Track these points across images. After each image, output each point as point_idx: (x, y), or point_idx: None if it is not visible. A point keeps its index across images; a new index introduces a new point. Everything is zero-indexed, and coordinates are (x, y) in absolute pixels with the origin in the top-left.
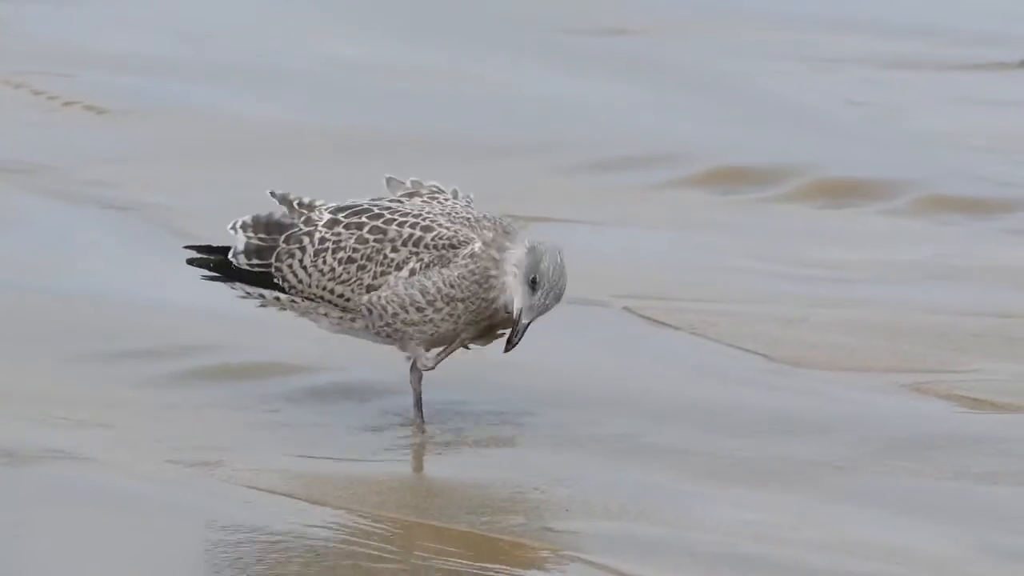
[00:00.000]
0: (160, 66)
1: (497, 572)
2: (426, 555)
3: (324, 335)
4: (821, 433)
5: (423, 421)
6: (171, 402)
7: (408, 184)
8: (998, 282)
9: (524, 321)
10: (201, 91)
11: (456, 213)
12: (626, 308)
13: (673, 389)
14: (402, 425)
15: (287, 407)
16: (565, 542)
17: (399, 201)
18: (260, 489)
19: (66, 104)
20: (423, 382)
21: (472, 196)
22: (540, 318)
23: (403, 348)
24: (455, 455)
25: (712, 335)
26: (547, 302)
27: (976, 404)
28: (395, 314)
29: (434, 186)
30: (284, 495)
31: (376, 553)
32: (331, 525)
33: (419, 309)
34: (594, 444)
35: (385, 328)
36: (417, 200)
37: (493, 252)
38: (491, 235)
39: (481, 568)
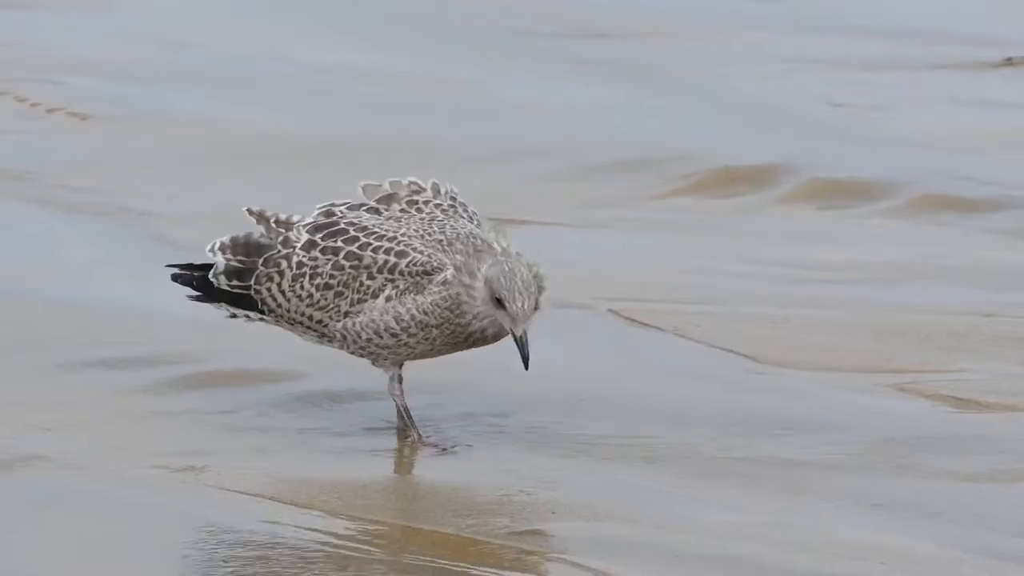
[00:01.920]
0: (144, 73)
1: (483, 575)
2: (412, 558)
3: (305, 343)
4: (806, 434)
5: (417, 429)
6: (156, 408)
7: (386, 186)
8: (982, 282)
9: (518, 334)
10: (184, 97)
11: (430, 233)
12: (611, 310)
13: (658, 391)
14: (387, 430)
15: (272, 413)
16: (551, 544)
17: (376, 212)
18: (246, 493)
19: (50, 111)
20: (405, 393)
21: (456, 190)
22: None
23: (376, 364)
24: (441, 458)
25: (696, 336)
26: (522, 305)
27: (961, 404)
28: (369, 339)
29: (413, 183)
30: (270, 499)
31: (362, 556)
32: (317, 528)
33: (393, 335)
34: (580, 446)
35: (360, 351)
36: (396, 208)
37: (464, 278)
38: (462, 259)
39: (467, 571)
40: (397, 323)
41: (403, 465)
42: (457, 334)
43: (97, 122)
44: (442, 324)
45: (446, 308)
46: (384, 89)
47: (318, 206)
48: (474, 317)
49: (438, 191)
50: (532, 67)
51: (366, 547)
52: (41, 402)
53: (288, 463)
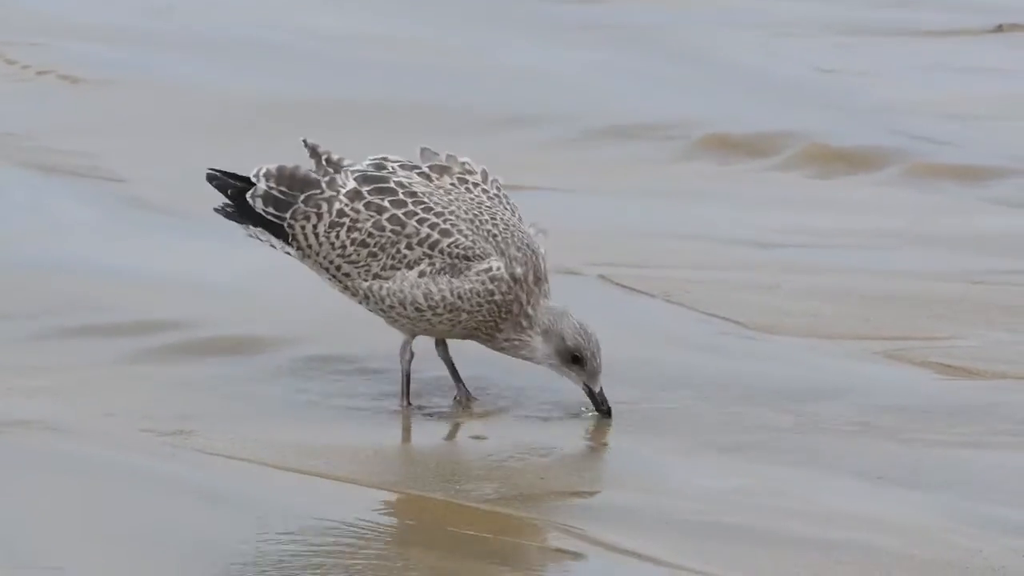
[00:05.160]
0: (135, 37)
1: (472, 540)
2: (400, 523)
3: (297, 310)
4: (796, 401)
5: (408, 399)
6: (144, 374)
7: (442, 157)
8: (972, 249)
9: (596, 389)
10: (176, 62)
11: (481, 221)
12: (601, 276)
13: (647, 357)
14: (378, 396)
15: (262, 379)
16: (541, 510)
17: (427, 178)
18: (235, 458)
19: (40, 73)
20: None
21: (500, 181)
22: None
23: (392, 326)
24: (431, 424)
25: (687, 302)
26: (600, 361)
27: (950, 371)
28: (391, 306)
29: (466, 163)
30: (259, 463)
31: (350, 521)
32: (306, 493)
33: (418, 310)
34: (570, 412)
35: (379, 312)
36: (447, 181)
37: (521, 294)
38: (520, 270)
39: (456, 536)
40: (426, 300)
41: (394, 431)
42: (486, 329)
43: (87, 85)
44: (474, 312)
45: (491, 302)
46: (378, 55)
47: (370, 156)
48: (511, 331)
49: (486, 177)
50: (526, 32)
51: (354, 512)
52: (27, 367)
53: (277, 428)
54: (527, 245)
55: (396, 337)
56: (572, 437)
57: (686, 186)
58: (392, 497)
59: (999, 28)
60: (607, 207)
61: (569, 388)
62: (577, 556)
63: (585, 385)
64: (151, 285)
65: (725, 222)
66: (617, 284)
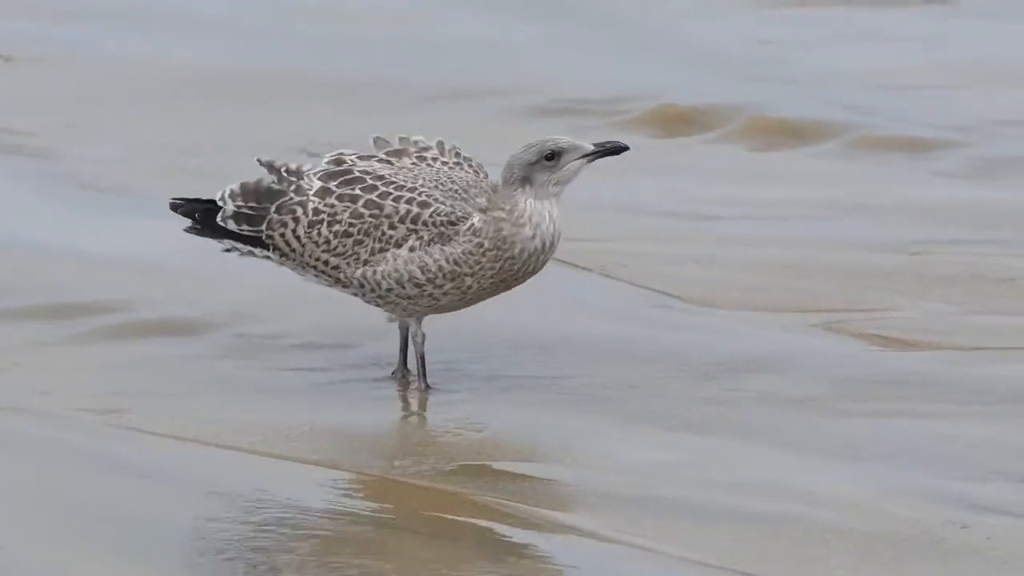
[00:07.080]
0: (68, 12)
1: (409, 516)
2: (338, 500)
3: (232, 288)
4: (733, 374)
5: (426, 381)
6: (80, 354)
7: (396, 142)
8: (910, 220)
9: (592, 147)
10: (110, 37)
11: (445, 184)
12: None
13: (583, 331)
14: (312, 372)
15: (198, 358)
16: (477, 485)
17: (388, 162)
18: (172, 436)
19: None
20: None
21: (459, 147)
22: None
23: (392, 317)
24: (367, 400)
25: (623, 276)
26: (568, 139)
27: (887, 342)
28: (390, 288)
29: (419, 141)
30: (195, 441)
31: (287, 498)
32: (243, 471)
33: (417, 285)
34: (506, 387)
35: (377, 300)
36: (407, 161)
37: (498, 213)
38: (485, 200)
39: (393, 512)
40: (423, 273)
41: (330, 407)
42: (507, 269)
43: (19, 63)
44: (479, 271)
45: (486, 251)
46: (325, 27)
47: (327, 155)
48: (525, 241)
49: (443, 149)
50: (470, 6)
51: (291, 489)
52: None
53: (214, 406)
54: (480, 185)
55: (333, 316)
56: (507, 413)
57: (625, 159)
58: (329, 474)
59: None
60: None
61: (505, 360)
62: (513, 531)
63: (588, 156)
64: (85, 265)
65: (662, 195)
66: (552, 258)
